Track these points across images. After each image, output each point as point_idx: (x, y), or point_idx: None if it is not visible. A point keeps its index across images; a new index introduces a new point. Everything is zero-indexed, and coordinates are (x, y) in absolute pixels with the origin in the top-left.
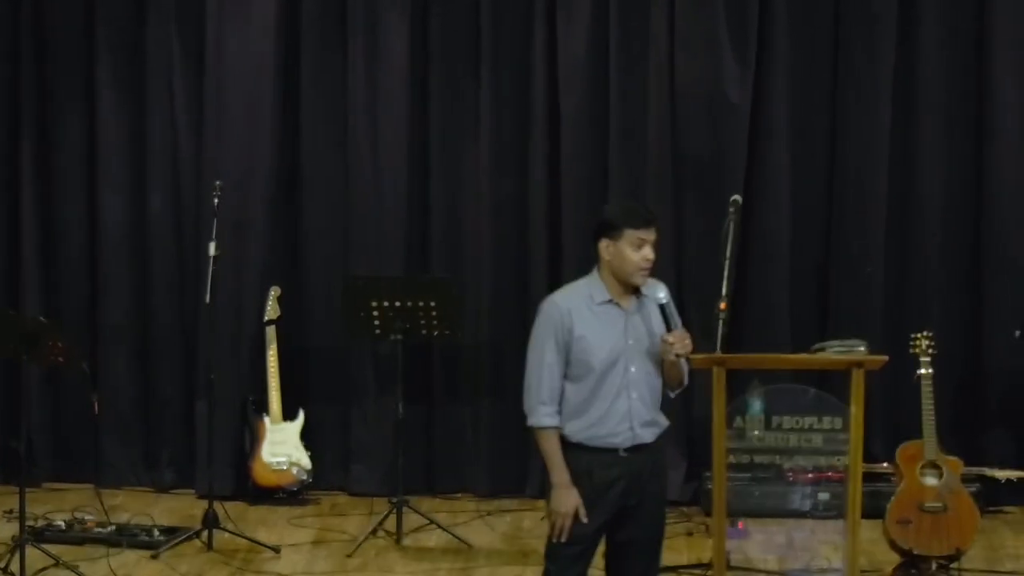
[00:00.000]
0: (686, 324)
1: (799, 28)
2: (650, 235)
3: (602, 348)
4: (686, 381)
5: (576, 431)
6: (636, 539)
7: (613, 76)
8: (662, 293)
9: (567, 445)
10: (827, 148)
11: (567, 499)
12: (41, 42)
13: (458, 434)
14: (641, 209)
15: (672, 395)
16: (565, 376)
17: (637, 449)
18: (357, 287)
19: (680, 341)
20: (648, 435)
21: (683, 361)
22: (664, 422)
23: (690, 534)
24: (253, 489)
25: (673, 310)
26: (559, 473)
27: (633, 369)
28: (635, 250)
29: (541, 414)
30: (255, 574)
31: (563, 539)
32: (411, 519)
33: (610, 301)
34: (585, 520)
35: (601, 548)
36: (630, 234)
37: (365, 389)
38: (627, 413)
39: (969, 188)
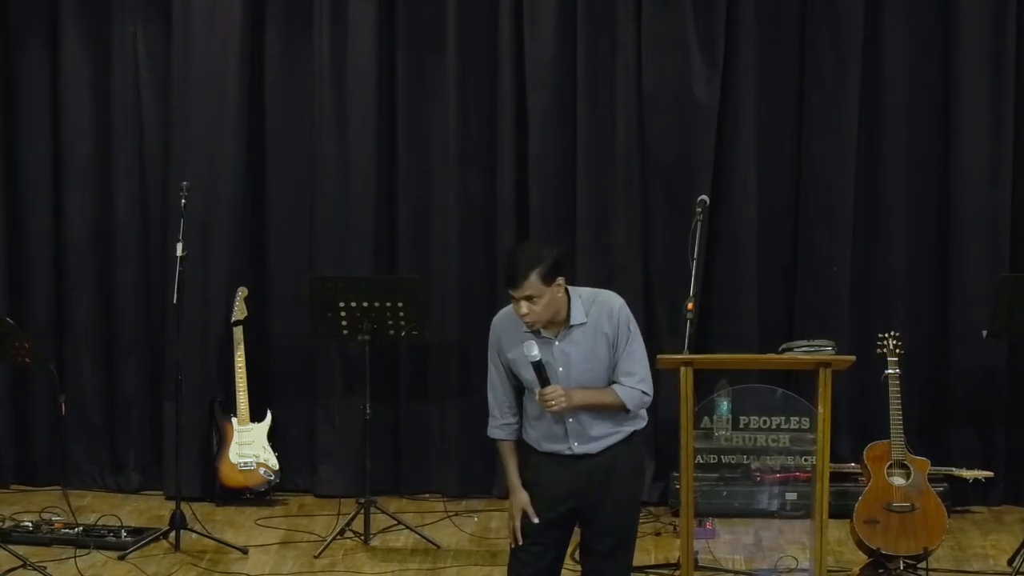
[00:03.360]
0: (655, 325)
1: (766, 28)
2: (516, 293)
3: (528, 370)
4: (628, 405)
5: (529, 432)
6: (598, 542)
7: (580, 75)
8: (535, 351)
9: (524, 445)
10: (794, 148)
11: (513, 502)
12: (3, 43)
13: (425, 434)
14: (508, 268)
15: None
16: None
17: (586, 455)
18: (324, 287)
19: (548, 398)
20: (594, 448)
21: (624, 389)
22: (626, 428)
23: (658, 534)
24: (220, 490)
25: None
26: (507, 478)
27: None
28: (515, 304)
29: (490, 427)
30: (223, 575)
31: (518, 542)
32: (379, 519)
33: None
34: (535, 520)
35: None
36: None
37: (332, 389)
38: (564, 435)
39: (935, 188)
